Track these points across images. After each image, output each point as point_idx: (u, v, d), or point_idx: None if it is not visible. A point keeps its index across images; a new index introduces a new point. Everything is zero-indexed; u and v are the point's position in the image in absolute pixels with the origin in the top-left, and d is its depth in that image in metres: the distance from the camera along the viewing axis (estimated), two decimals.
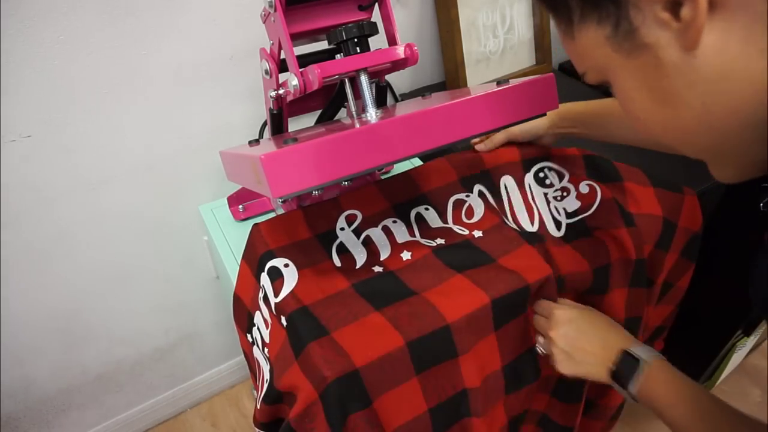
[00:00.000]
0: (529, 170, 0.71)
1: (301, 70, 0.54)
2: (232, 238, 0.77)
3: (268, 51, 0.59)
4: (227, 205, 0.81)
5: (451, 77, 0.96)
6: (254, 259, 0.62)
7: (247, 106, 0.87)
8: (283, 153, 0.43)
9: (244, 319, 0.67)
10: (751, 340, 1.05)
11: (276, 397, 0.55)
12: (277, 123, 0.65)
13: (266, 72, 0.61)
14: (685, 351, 1.08)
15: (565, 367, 0.56)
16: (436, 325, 0.53)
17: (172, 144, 0.84)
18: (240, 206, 0.79)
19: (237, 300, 0.67)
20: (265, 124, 0.72)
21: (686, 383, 0.49)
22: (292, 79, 0.54)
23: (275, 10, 0.54)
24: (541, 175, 0.72)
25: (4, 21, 0.63)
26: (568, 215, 0.68)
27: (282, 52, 0.57)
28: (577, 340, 0.56)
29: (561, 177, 0.71)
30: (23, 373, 0.93)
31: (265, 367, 0.60)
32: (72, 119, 0.74)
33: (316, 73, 0.52)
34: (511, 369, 0.61)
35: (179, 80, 0.78)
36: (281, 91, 0.59)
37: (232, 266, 0.72)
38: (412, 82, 1.03)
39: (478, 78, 0.99)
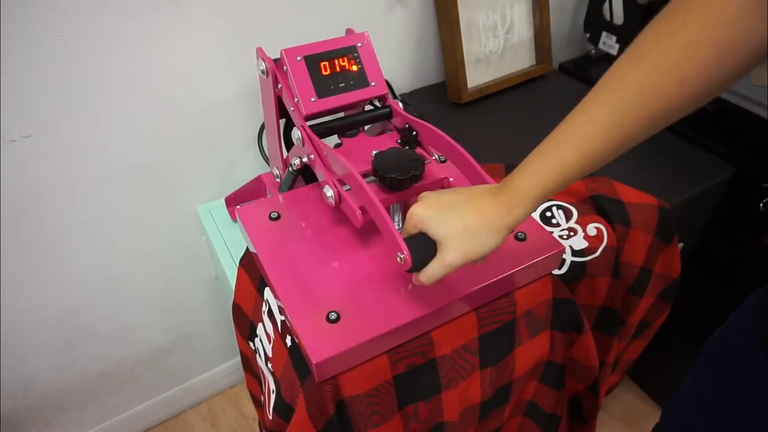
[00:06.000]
0: (534, 210, 0.72)
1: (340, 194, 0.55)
2: (229, 239, 0.77)
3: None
4: (225, 206, 0.81)
5: (451, 77, 0.96)
6: (256, 272, 0.61)
7: (246, 106, 0.87)
8: (336, 353, 0.47)
9: (245, 327, 0.67)
10: None
11: (286, 410, 0.55)
12: (291, 181, 0.67)
13: (263, 72, 0.61)
14: (684, 351, 1.08)
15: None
16: (425, 359, 0.55)
17: (171, 144, 0.84)
18: (238, 207, 0.79)
19: (237, 308, 0.67)
20: (263, 127, 0.72)
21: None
22: (327, 190, 0.55)
23: (303, 145, 0.58)
24: (548, 214, 0.71)
25: (4, 21, 0.63)
26: (575, 253, 0.68)
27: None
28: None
29: (569, 217, 0.71)
30: (23, 372, 0.93)
31: (270, 378, 0.60)
32: (72, 119, 0.74)
33: (357, 215, 0.53)
34: (487, 402, 0.62)
35: (179, 80, 0.78)
36: (305, 159, 0.60)
37: (230, 267, 0.72)
38: (411, 82, 1.03)
39: (478, 78, 0.99)
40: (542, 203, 0.44)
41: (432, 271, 0.46)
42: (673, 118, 0.39)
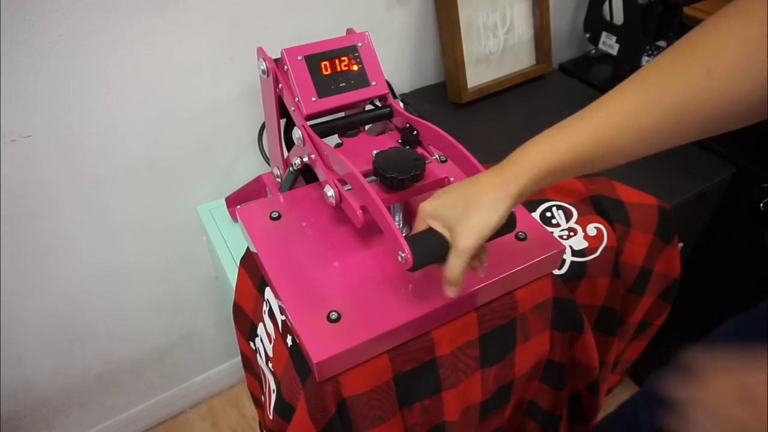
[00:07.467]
0: (534, 210, 0.71)
1: (341, 192, 0.55)
2: (230, 239, 0.77)
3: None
4: (225, 206, 0.81)
5: (451, 77, 0.96)
6: (257, 272, 0.61)
7: (246, 106, 0.87)
8: (336, 353, 0.48)
9: (246, 327, 0.67)
10: None
11: (287, 410, 0.55)
12: (292, 181, 0.67)
13: (263, 72, 0.61)
14: (685, 350, 1.08)
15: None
16: (425, 359, 0.55)
17: (171, 144, 0.84)
18: (238, 206, 0.79)
19: (237, 307, 0.67)
20: (263, 127, 0.72)
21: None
22: (328, 190, 0.55)
23: (304, 144, 0.58)
24: (548, 214, 0.72)
25: (4, 21, 0.63)
26: (575, 253, 0.68)
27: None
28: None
29: (569, 217, 0.71)
30: (23, 373, 0.93)
31: (271, 378, 0.60)
32: (72, 119, 0.74)
33: (358, 215, 0.53)
34: (487, 402, 0.62)
35: (179, 80, 0.78)
36: (306, 159, 0.60)
37: (230, 267, 0.72)
38: (411, 82, 1.03)
39: (478, 78, 0.99)
40: (545, 183, 0.44)
41: (452, 265, 0.45)
42: (696, 118, 0.39)
